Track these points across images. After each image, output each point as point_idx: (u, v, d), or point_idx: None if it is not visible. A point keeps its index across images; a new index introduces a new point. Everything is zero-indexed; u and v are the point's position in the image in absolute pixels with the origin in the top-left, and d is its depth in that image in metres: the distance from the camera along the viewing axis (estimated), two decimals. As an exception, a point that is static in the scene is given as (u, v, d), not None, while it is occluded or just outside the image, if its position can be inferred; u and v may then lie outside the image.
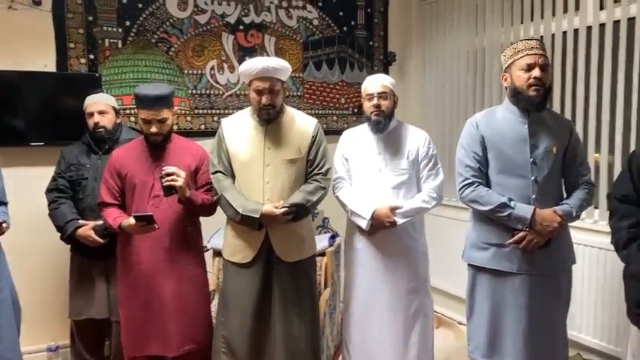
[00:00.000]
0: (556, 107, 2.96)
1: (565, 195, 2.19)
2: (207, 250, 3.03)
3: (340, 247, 3.18)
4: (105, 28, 3.12)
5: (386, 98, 2.46)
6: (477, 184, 2.17)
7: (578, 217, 2.14)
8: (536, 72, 2.04)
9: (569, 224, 2.19)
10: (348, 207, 2.50)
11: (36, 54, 2.97)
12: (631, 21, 2.62)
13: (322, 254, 2.94)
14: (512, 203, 2.08)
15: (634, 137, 2.65)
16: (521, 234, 2.08)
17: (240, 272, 2.34)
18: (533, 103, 2.08)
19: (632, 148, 2.65)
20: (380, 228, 2.42)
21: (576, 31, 2.87)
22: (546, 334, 2.13)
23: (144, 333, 2.35)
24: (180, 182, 2.22)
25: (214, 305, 2.81)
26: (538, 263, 2.10)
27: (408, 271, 2.48)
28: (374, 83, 2.48)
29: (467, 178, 2.19)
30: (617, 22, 2.68)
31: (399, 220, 2.39)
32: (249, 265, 2.31)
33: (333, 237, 3.13)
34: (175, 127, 3.29)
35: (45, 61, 2.99)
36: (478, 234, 2.24)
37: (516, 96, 2.12)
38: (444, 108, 3.77)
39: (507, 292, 2.15)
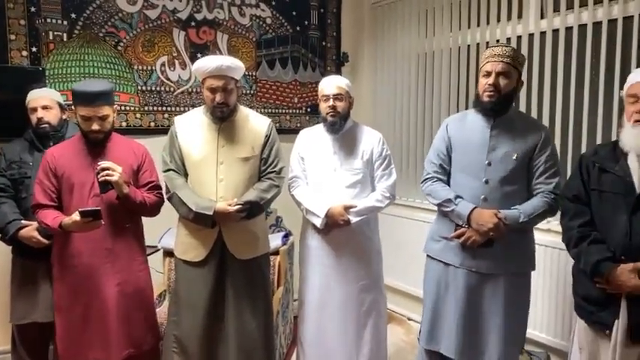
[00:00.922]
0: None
1: None
2: (158, 249, 2.98)
3: (293, 246, 3.20)
4: (49, 20, 2.99)
5: (342, 100, 2.50)
6: (435, 179, 2.30)
7: (528, 223, 2.12)
8: (490, 79, 2.12)
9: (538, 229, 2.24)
10: (303, 205, 2.53)
11: (-27, 45, 2.82)
12: (569, 30, 2.78)
13: (275, 253, 2.94)
14: (457, 200, 2.17)
15: (571, 142, 2.80)
16: (461, 230, 2.18)
17: (193, 271, 2.31)
18: (486, 107, 2.16)
19: (569, 153, 2.81)
20: (334, 226, 2.46)
21: (519, 37, 3.02)
22: (478, 331, 2.20)
23: (84, 339, 2.26)
24: (116, 177, 2.15)
25: (165, 306, 2.77)
26: (480, 262, 2.17)
27: (360, 269, 2.53)
28: (330, 84, 2.52)
29: (428, 173, 2.33)
30: (556, 31, 2.84)
31: (353, 219, 2.44)
32: (202, 263, 2.30)
33: (286, 236, 3.15)
34: (124, 124, 3.22)
35: (-18, 53, 2.84)
36: (435, 227, 2.35)
37: (476, 100, 2.22)
38: (395, 109, 3.86)
39: (450, 283, 2.25)
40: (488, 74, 2.13)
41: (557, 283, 2.78)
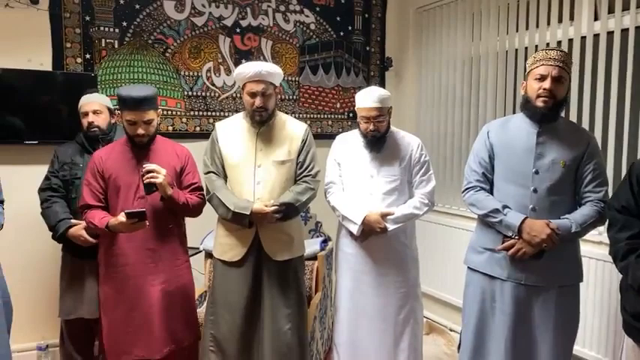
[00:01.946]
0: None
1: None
2: (200, 251, 3.04)
3: (332, 252, 3.18)
4: (102, 28, 3.13)
5: (382, 121, 2.43)
6: (478, 188, 2.21)
7: (579, 234, 2.06)
8: (546, 83, 2.02)
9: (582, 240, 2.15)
10: (339, 212, 2.51)
11: (32, 52, 2.98)
12: (624, 32, 2.63)
13: (314, 258, 2.94)
14: (505, 210, 2.09)
15: (625, 151, 2.65)
16: (510, 241, 2.09)
17: (231, 270, 2.36)
18: (538, 113, 2.07)
19: (624, 161, 2.65)
20: (371, 233, 2.43)
21: (570, 40, 2.89)
22: (528, 346, 2.11)
23: (128, 337, 2.32)
24: (160, 179, 2.20)
25: (205, 307, 2.81)
26: (528, 274, 2.09)
27: (398, 276, 2.49)
28: (368, 104, 2.40)
29: (470, 182, 2.24)
30: (610, 33, 2.70)
31: (390, 226, 2.40)
32: (240, 263, 2.34)
33: (325, 241, 3.14)
34: (170, 129, 3.32)
35: (41, 60, 3.00)
36: (477, 238, 2.27)
37: (526, 104, 2.12)
38: (440, 114, 3.78)
39: (496, 297, 2.16)
40: (543, 78, 2.04)
41: (610, 298, 2.63)
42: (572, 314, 2.15)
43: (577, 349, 2.74)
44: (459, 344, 2.35)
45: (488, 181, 2.22)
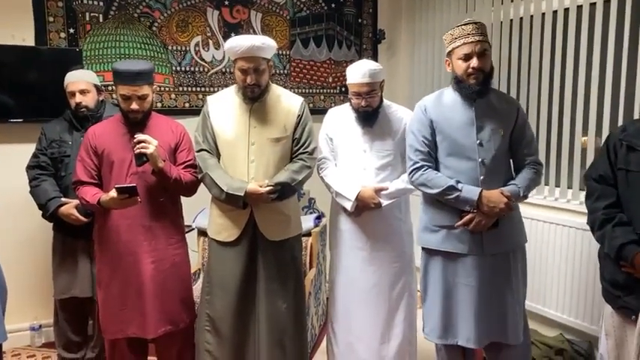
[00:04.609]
0: (544, 94, 2.96)
1: (514, 175, 2.21)
2: (192, 229, 3.02)
3: (326, 228, 3.18)
4: (85, 2, 3.02)
5: (374, 96, 2.39)
6: (425, 167, 2.18)
7: (525, 196, 2.15)
8: (474, 62, 2.04)
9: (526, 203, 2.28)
10: (332, 188, 2.48)
11: (14, 28, 2.89)
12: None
13: (308, 234, 2.94)
14: (459, 185, 2.09)
15: (608, 120, 2.67)
16: (469, 216, 2.09)
17: (225, 250, 2.33)
18: (474, 91, 2.09)
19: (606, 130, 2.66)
20: (365, 209, 2.41)
21: (579, 7, 2.79)
22: (498, 313, 2.15)
23: (123, 315, 2.31)
24: (151, 149, 2.16)
25: (199, 284, 2.81)
26: (488, 244, 2.12)
27: (392, 251, 2.48)
28: (359, 80, 2.35)
29: (416, 162, 2.20)
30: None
31: (384, 202, 2.38)
32: (235, 243, 2.30)
33: (319, 217, 3.13)
34: (159, 105, 3.25)
35: (23, 35, 2.91)
36: (429, 217, 2.25)
37: (458, 84, 2.13)
38: (433, 87, 3.74)
39: (459, 273, 2.17)
40: (468, 57, 2.05)
41: (589, 265, 2.70)
42: (524, 271, 2.26)
43: (565, 317, 2.85)
44: (423, 327, 2.32)
45: (432, 159, 2.21)
